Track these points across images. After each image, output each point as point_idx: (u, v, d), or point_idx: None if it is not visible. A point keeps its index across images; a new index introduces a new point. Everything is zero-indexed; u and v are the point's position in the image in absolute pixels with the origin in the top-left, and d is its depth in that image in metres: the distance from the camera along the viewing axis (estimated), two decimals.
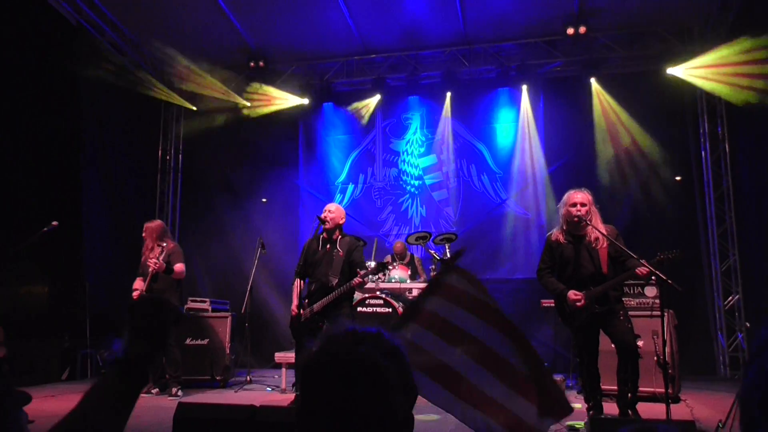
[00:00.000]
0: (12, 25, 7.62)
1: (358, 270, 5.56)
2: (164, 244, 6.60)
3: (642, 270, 4.54)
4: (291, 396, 6.28)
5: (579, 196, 4.89)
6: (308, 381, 1.12)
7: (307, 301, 5.72)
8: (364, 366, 1.10)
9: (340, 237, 5.78)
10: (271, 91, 10.13)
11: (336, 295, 5.53)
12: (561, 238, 4.93)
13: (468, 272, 2.40)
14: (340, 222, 5.80)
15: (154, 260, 6.47)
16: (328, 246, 5.74)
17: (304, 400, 1.11)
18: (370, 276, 5.65)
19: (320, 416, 1.09)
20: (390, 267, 7.70)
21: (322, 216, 5.70)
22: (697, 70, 8.45)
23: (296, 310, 5.63)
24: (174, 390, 6.54)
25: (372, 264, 7.64)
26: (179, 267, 6.70)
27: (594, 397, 4.84)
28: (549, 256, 4.99)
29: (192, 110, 10.65)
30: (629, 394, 4.76)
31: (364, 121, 10.21)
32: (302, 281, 5.82)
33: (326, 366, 1.11)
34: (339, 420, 1.07)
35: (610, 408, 5.00)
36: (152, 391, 6.62)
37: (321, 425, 1.08)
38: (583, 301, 4.67)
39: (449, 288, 2.36)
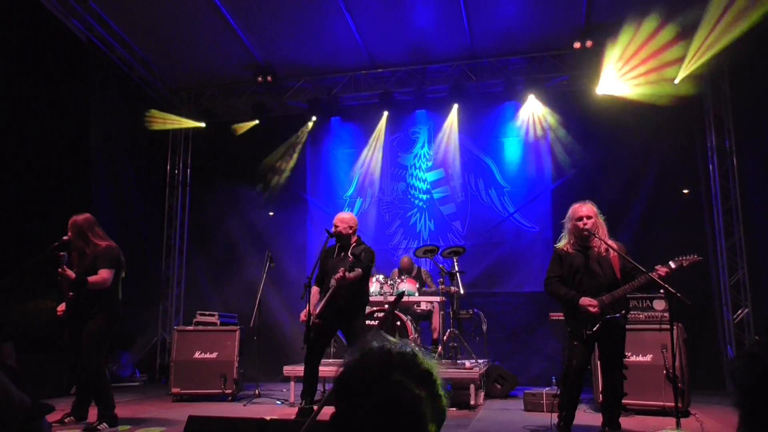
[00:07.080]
0: (23, 42, 7.73)
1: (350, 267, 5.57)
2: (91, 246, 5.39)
3: (660, 271, 4.52)
4: None
5: (584, 209, 4.87)
6: (343, 397, 1.13)
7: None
8: (398, 401, 1.08)
9: (354, 245, 5.86)
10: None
11: (329, 296, 5.56)
12: (569, 248, 4.91)
13: None
14: (350, 232, 5.88)
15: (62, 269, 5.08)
16: (342, 254, 5.84)
17: (338, 413, 1.12)
18: (355, 271, 5.59)
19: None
20: (399, 281, 7.75)
21: (333, 230, 5.79)
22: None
23: (305, 317, 5.60)
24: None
25: (380, 276, 7.71)
26: (94, 278, 5.19)
27: (569, 409, 4.78)
28: (558, 265, 4.93)
29: (200, 125, 10.74)
30: (614, 409, 4.81)
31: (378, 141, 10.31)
32: (319, 288, 5.92)
33: (360, 393, 1.10)
34: None
35: (636, 423, 4.98)
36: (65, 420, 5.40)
37: None
38: (597, 308, 4.63)
39: None
